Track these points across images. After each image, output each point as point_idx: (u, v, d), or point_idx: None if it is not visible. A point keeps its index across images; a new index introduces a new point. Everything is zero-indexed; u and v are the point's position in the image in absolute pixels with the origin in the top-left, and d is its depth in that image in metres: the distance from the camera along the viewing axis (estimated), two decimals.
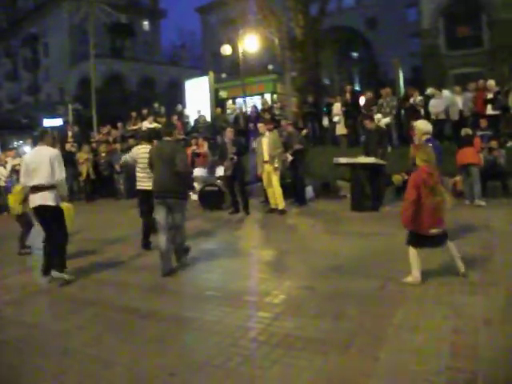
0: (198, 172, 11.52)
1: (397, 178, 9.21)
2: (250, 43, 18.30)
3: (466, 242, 5.63)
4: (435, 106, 11.86)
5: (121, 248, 6.88)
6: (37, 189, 5.11)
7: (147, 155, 6.29)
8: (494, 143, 9.58)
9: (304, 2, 15.31)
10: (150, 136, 6.95)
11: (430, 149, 4.56)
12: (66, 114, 27.14)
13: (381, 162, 8.41)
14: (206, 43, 45.73)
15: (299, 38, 15.34)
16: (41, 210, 5.16)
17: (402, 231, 4.51)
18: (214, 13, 44.33)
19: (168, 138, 5.61)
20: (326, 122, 14.51)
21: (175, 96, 31.09)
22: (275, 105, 15.84)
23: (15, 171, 10.91)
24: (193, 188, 10.73)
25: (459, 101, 12.18)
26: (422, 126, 5.92)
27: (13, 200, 6.81)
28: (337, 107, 13.55)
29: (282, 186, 9.03)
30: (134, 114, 16.58)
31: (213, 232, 7.85)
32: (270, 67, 26.93)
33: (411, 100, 12.13)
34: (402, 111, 12.65)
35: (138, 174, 6.64)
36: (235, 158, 9.10)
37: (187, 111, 18.05)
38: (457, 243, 4.57)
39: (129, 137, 14.75)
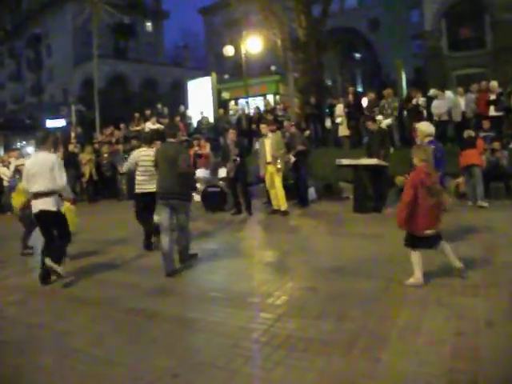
0: (201, 173, 11.51)
1: (399, 180, 9.14)
2: (253, 44, 18.35)
3: (468, 243, 5.64)
4: (438, 107, 11.86)
5: (123, 249, 6.89)
6: (38, 195, 5.12)
7: (147, 158, 6.32)
8: (496, 144, 9.55)
9: (306, 3, 15.30)
10: (151, 139, 6.85)
11: (429, 149, 4.56)
12: (69, 114, 27.24)
13: (383, 163, 8.40)
14: (209, 44, 45.90)
15: (302, 39, 15.32)
16: (42, 216, 5.17)
17: (404, 233, 4.50)
18: (217, 14, 44.44)
19: (172, 140, 5.63)
20: (328, 123, 14.53)
21: (178, 97, 31.10)
22: (278, 106, 15.85)
23: (18, 171, 10.93)
24: (195, 189, 10.77)
25: (462, 102, 12.19)
26: (425, 127, 5.92)
27: (16, 199, 6.83)
28: (339, 108, 13.56)
29: (285, 187, 9.02)
30: (136, 114, 16.59)
31: (215, 233, 7.86)
32: (273, 68, 27.01)
33: (414, 101, 12.13)
34: (405, 112, 12.65)
35: (137, 177, 6.57)
36: (238, 159, 9.07)
37: (190, 112, 18.10)
38: (459, 244, 4.57)
39: (132, 138, 14.70)
